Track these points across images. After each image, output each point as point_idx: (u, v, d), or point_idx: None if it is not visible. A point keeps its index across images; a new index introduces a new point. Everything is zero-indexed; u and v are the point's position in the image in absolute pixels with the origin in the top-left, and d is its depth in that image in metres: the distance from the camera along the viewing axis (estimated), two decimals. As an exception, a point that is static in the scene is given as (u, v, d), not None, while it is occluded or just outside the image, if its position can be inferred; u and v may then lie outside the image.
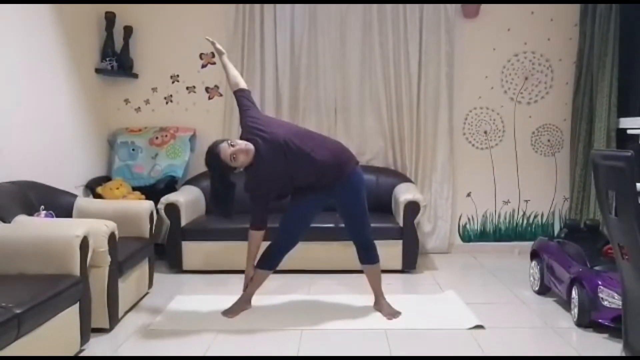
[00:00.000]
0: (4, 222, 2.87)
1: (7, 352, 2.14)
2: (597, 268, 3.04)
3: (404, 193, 4.19)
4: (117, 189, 4.24)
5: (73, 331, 2.64)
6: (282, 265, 3.29)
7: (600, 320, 2.92)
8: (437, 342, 2.88)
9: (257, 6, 4.64)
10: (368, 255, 3.27)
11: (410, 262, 4.15)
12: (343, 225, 3.30)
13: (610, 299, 2.85)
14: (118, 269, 3.03)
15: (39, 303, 2.31)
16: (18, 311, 2.17)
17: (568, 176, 4.75)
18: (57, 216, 3.33)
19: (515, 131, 4.85)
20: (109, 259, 2.92)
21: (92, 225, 2.81)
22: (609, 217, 2.48)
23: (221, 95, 4.82)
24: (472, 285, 4.02)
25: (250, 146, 2.96)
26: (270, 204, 3.12)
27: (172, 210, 4.11)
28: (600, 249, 3.23)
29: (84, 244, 2.66)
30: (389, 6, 4.63)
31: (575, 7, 4.65)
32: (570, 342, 2.90)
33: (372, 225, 3.26)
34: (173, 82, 4.84)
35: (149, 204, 3.64)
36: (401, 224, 4.12)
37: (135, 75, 4.78)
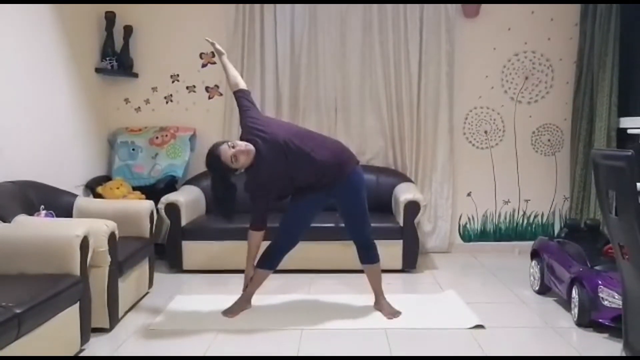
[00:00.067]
0: (4, 221, 2.87)
1: (7, 351, 2.14)
2: (597, 268, 3.04)
3: (404, 193, 4.19)
4: (117, 188, 4.23)
5: (73, 331, 2.64)
6: (282, 265, 3.29)
7: (600, 320, 2.92)
8: (437, 342, 2.88)
9: (257, 6, 4.63)
10: (368, 255, 3.27)
11: (410, 262, 4.15)
12: (343, 225, 3.29)
13: (611, 298, 2.85)
14: (118, 269, 3.03)
15: (39, 303, 2.31)
16: (18, 311, 2.17)
17: (568, 176, 4.75)
18: (57, 216, 3.34)
19: (516, 131, 4.85)
20: (109, 258, 2.92)
21: (92, 225, 2.81)
22: (609, 217, 2.48)
23: (221, 94, 4.82)
24: (472, 284, 4.03)
25: (251, 147, 2.96)
26: (270, 204, 3.12)
27: (172, 210, 4.11)
28: (600, 248, 3.23)
29: (84, 244, 2.66)
30: (389, 6, 4.63)
31: (576, 7, 4.65)
32: (571, 341, 2.90)
33: (373, 224, 3.26)
34: (173, 82, 4.83)
35: (149, 204, 3.64)
36: (401, 224, 4.12)
37: (136, 75, 4.78)
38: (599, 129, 4.31)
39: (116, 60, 4.60)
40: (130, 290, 3.32)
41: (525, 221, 4.93)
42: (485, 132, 4.87)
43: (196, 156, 4.63)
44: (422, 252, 4.47)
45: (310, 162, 3.02)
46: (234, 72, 3.31)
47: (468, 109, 4.84)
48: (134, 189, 4.40)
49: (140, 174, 4.54)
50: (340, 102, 4.75)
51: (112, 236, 2.93)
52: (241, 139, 3.06)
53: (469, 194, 4.92)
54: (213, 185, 3.10)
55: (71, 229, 2.67)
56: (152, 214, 3.62)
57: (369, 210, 3.22)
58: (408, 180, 4.65)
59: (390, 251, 3.95)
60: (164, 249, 4.25)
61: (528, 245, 4.00)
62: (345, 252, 3.64)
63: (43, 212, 3.26)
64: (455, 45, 4.70)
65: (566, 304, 3.26)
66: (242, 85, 3.27)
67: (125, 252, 3.15)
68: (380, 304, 3.29)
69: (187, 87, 4.84)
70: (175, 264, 4.18)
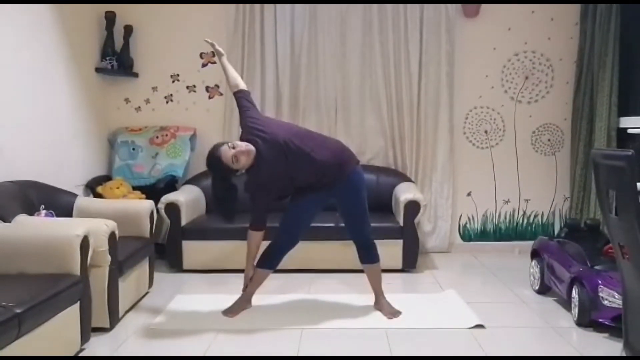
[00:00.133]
0: (5, 221, 2.87)
1: (8, 351, 2.14)
2: (597, 267, 3.04)
3: (405, 192, 4.19)
4: (118, 188, 4.23)
5: (73, 330, 2.64)
6: (282, 265, 3.29)
7: (600, 320, 2.92)
8: (438, 342, 2.88)
9: (257, 6, 4.63)
10: (368, 255, 3.27)
11: (410, 262, 4.15)
12: (343, 224, 3.29)
13: (611, 298, 2.85)
14: (118, 269, 3.03)
15: (39, 302, 2.31)
16: (18, 310, 2.17)
17: (568, 175, 4.75)
18: (58, 215, 3.34)
19: (516, 130, 4.85)
20: (109, 258, 2.92)
21: (92, 224, 2.81)
22: (609, 217, 2.48)
23: (221, 94, 4.82)
24: (472, 284, 4.03)
25: (251, 147, 2.96)
26: (270, 205, 3.12)
27: (173, 209, 4.11)
28: (600, 248, 3.23)
29: (85, 244, 2.66)
30: (389, 6, 4.63)
31: (576, 7, 4.65)
32: (571, 341, 2.90)
33: (373, 224, 3.27)
34: (173, 82, 4.83)
35: (149, 204, 3.64)
36: (401, 224, 4.12)
37: (136, 75, 4.78)
38: (599, 128, 4.31)
39: (116, 60, 4.60)
40: (131, 290, 3.32)
41: (525, 221, 4.93)
42: (486, 131, 4.87)
43: (196, 156, 4.63)
44: (422, 251, 4.47)
45: (311, 162, 3.02)
46: (234, 73, 3.32)
47: (468, 108, 4.84)
48: (134, 188, 4.40)
49: (141, 174, 4.54)
50: (340, 102, 4.75)
51: (112, 236, 2.93)
52: (241, 139, 3.07)
53: (469, 194, 4.92)
54: (214, 186, 3.11)
55: (71, 228, 2.67)
56: (152, 213, 3.62)
57: (369, 210, 3.22)
58: (408, 180, 4.65)
59: (390, 251, 3.95)
60: (164, 248, 4.25)
61: (528, 245, 4.00)
62: (345, 251, 3.64)
63: (43, 212, 3.26)
64: (455, 45, 4.70)
65: (566, 304, 3.26)
66: (242, 85, 3.27)
67: (125, 251, 3.15)
68: (381, 304, 3.29)
69: (188, 87, 4.84)
70: (176, 264, 4.19)
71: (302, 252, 3.54)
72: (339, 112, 4.77)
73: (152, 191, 4.34)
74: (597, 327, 2.96)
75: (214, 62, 4.70)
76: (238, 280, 3.35)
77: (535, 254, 3.71)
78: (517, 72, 4.80)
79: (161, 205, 4.09)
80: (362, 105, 4.75)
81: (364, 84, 4.73)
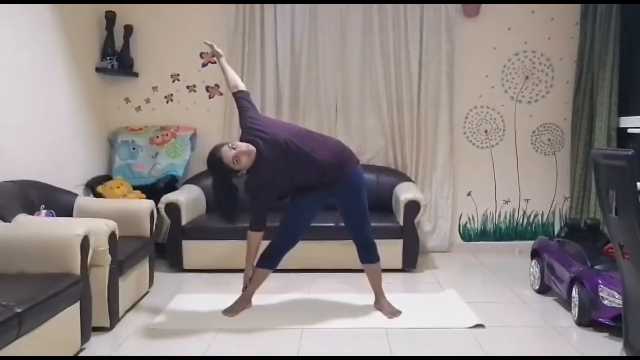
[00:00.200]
0: (5, 221, 2.87)
1: (8, 351, 2.14)
2: (597, 267, 3.04)
3: (405, 192, 4.19)
4: (118, 188, 4.24)
5: (73, 330, 2.64)
6: (282, 265, 3.29)
7: (600, 320, 2.92)
8: (438, 341, 2.88)
9: (257, 6, 4.63)
10: (368, 254, 3.27)
11: (410, 261, 4.15)
12: (343, 224, 3.30)
13: (611, 298, 2.85)
14: (118, 268, 3.03)
15: (39, 302, 2.31)
16: (19, 310, 2.17)
17: (568, 175, 4.75)
18: (58, 215, 3.33)
19: (516, 130, 4.85)
20: (109, 258, 2.92)
21: (92, 224, 2.81)
22: (609, 216, 2.48)
23: (221, 94, 4.82)
24: (472, 284, 4.03)
25: (252, 148, 2.96)
26: (270, 205, 3.12)
27: (173, 209, 4.11)
28: (600, 248, 3.23)
29: (85, 243, 2.66)
30: (389, 6, 4.63)
31: (576, 7, 4.65)
32: (571, 341, 2.90)
33: (373, 224, 3.27)
34: (173, 81, 4.84)
35: (149, 203, 3.64)
36: (401, 223, 4.12)
37: (136, 74, 4.78)
38: (599, 128, 4.31)
39: (116, 59, 4.60)
40: (131, 290, 3.32)
41: (526, 221, 4.93)
42: (486, 131, 4.87)
43: (196, 155, 4.64)
44: (422, 251, 4.47)
45: (311, 162, 3.02)
46: (233, 74, 3.32)
47: (468, 108, 4.84)
48: (135, 188, 4.40)
49: (141, 173, 4.54)
50: (340, 102, 4.75)
51: (112, 235, 2.93)
52: (241, 139, 3.07)
53: (469, 194, 4.92)
54: (215, 187, 3.11)
55: (71, 228, 2.67)
56: (152, 213, 3.62)
57: (369, 209, 3.22)
58: (408, 179, 4.65)
59: (390, 250, 3.94)
60: (164, 248, 4.25)
61: (528, 244, 4.00)
62: (345, 251, 3.64)
63: (43, 212, 3.26)
64: (455, 44, 4.70)
65: (566, 304, 3.26)
66: (241, 86, 3.27)
67: (125, 251, 3.15)
68: (381, 304, 3.29)
69: (188, 87, 4.84)
70: (176, 264, 4.19)
71: (302, 252, 3.54)
72: (339, 111, 4.77)
73: (152, 191, 4.34)
74: (597, 326, 2.96)
75: (214, 62, 4.69)
76: (238, 280, 3.35)
77: (535, 254, 3.71)
78: (517, 71, 4.80)
79: (161, 205, 4.09)
80: (362, 105, 4.75)
81: (364, 84, 4.73)
